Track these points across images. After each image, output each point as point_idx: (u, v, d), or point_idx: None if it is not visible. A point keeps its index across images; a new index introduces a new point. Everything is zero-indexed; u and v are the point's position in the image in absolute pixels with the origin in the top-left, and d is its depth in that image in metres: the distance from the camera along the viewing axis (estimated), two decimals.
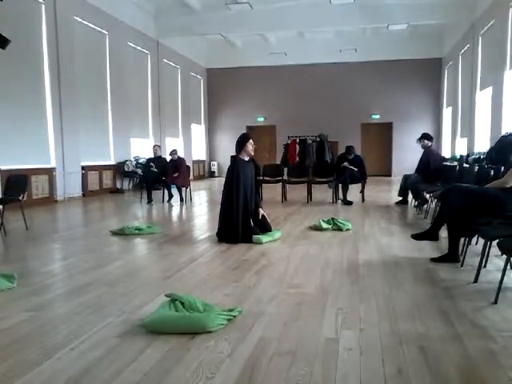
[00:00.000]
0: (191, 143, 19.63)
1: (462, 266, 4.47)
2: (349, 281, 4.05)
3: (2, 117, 9.45)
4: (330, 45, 19.01)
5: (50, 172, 10.87)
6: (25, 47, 10.13)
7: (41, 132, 10.81)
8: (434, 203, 7.49)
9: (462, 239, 4.66)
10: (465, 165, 9.01)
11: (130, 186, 14.32)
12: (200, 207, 10.36)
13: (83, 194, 12.12)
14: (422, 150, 9.14)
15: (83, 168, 12.14)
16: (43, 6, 10.75)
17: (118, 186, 13.83)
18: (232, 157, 6.11)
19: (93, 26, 12.74)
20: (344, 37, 18.76)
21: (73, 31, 11.75)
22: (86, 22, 12.38)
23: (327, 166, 13.20)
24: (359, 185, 10.26)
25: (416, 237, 5.13)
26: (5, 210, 6.94)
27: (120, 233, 6.50)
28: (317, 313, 3.24)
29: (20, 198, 7.07)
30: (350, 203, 9.71)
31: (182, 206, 10.27)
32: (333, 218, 6.85)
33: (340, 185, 10.04)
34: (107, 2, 12.95)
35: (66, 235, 6.78)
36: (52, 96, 11.01)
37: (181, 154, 12.55)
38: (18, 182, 7.03)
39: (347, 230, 6.58)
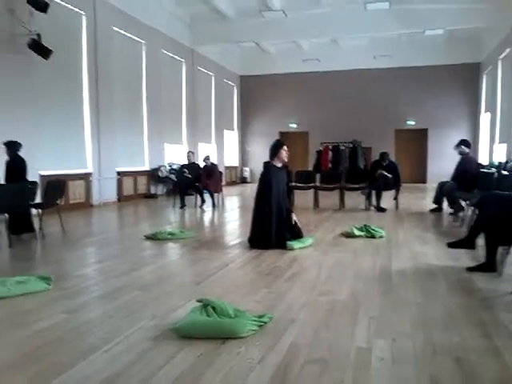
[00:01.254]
0: (223, 149, 19.77)
1: (500, 275, 4.33)
2: (381, 289, 3.98)
3: (43, 124, 9.75)
4: (365, 51, 18.84)
5: (86, 177, 11.14)
6: (66, 57, 10.44)
7: (78, 138, 11.10)
8: (470, 211, 7.30)
9: (500, 248, 4.52)
10: (503, 172, 8.74)
11: (164, 192, 14.52)
12: (232, 213, 10.41)
13: (118, 199, 12.36)
14: (459, 156, 8.93)
15: (119, 173, 12.39)
16: (84, 18, 11.08)
17: (152, 191, 14.05)
18: (265, 163, 6.12)
19: (130, 36, 13.04)
20: (379, 43, 18.55)
21: (111, 41, 12.06)
22: (123, 32, 12.68)
23: (360, 172, 13.06)
24: (393, 191, 10.10)
25: (452, 245, 5.02)
26: (43, 214, 7.15)
27: (153, 237, 6.59)
28: (348, 321, 3.20)
29: (58, 202, 7.28)
30: (383, 210, 9.57)
31: (214, 211, 10.35)
32: (365, 225, 6.76)
33: (373, 191, 9.91)
34: (144, 11, 13.23)
35: (100, 239, 6.92)
36: (90, 104, 11.29)
37: (213, 159, 12.68)
38: (56, 187, 7.24)
39: (380, 237, 6.48)
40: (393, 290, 3.95)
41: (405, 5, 14.06)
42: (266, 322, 3.11)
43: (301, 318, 3.27)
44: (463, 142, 8.88)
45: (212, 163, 11.44)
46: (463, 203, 8.01)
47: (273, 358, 2.63)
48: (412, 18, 14.49)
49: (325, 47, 19.26)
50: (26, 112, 9.21)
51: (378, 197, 9.79)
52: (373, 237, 6.45)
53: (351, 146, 17.76)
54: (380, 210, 9.61)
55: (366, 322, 3.17)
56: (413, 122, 19.43)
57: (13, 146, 6.95)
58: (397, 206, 9.97)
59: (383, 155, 10.10)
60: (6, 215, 6.37)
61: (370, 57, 18.75)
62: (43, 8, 8.84)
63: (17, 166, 6.89)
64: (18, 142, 7.02)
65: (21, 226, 6.77)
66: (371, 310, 3.43)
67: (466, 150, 8.79)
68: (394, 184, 9.92)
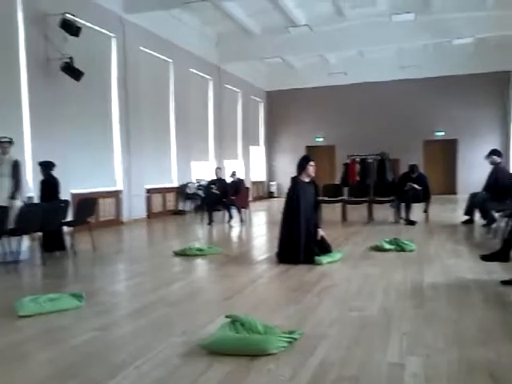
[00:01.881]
0: (250, 165, 19.86)
1: None
2: (413, 304, 3.90)
3: (75, 144, 10.00)
4: (391, 62, 18.72)
5: (116, 195, 11.34)
6: (96, 78, 10.72)
7: (108, 157, 11.34)
8: (503, 222, 7.11)
9: None
10: None
11: (192, 208, 14.64)
12: (259, 228, 10.41)
13: (147, 216, 12.52)
14: (490, 166, 8.74)
15: (148, 191, 12.57)
16: (114, 40, 11.40)
17: (180, 207, 14.18)
18: (293, 178, 6.11)
19: (158, 55, 13.32)
20: (405, 54, 18.41)
21: (139, 61, 12.33)
22: (151, 52, 12.97)
23: (388, 184, 12.89)
24: (422, 204, 9.93)
25: (485, 258, 4.90)
26: (75, 231, 7.30)
27: (182, 253, 6.64)
28: (380, 337, 3.14)
29: (89, 220, 7.43)
30: (413, 223, 9.41)
31: (241, 226, 10.37)
32: (395, 239, 6.66)
33: (402, 204, 9.76)
34: (171, 31, 13.50)
35: (130, 256, 7.02)
36: (120, 123, 11.54)
37: (240, 175, 12.75)
38: (87, 205, 7.40)
39: (411, 250, 6.36)
40: (425, 305, 3.86)
41: (431, 15, 13.93)
42: (295, 339, 3.08)
43: (331, 334, 3.23)
44: (494, 152, 8.70)
45: (239, 179, 11.49)
46: (496, 214, 7.82)
47: (304, 375, 2.60)
48: (439, 27, 14.33)
49: (351, 60, 19.23)
50: (59, 132, 9.48)
51: (408, 209, 9.64)
52: (403, 250, 6.34)
53: (379, 158, 17.58)
54: (410, 222, 9.46)
55: (398, 337, 3.11)
56: (442, 133, 19.13)
57: (47, 166, 7.16)
58: (427, 219, 9.79)
59: (412, 167, 9.97)
60: (40, 233, 6.54)
61: (397, 68, 18.62)
62: (75, 32, 9.14)
63: (50, 185, 7.09)
64: (52, 161, 7.23)
65: (53, 244, 6.93)
66: (403, 325, 3.36)
67: (498, 159, 8.61)
68: (424, 196, 9.76)
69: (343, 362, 2.76)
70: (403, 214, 9.73)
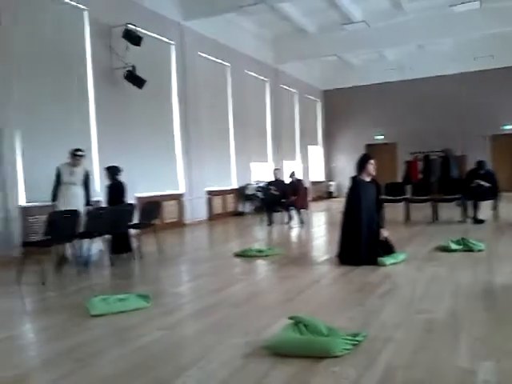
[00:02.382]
0: (308, 165, 19.75)
1: None
2: (484, 306, 3.73)
3: (139, 149, 10.35)
4: (452, 55, 17.98)
5: (179, 198, 11.64)
6: (157, 85, 11.07)
7: (171, 161, 11.66)
8: None
9: None
10: None
11: (251, 209, 14.75)
12: (319, 229, 10.33)
13: (209, 218, 12.75)
14: None
15: (208, 193, 12.82)
16: (173, 47, 11.72)
17: (240, 209, 14.33)
18: (352, 178, 6.01)
19: (215, 60, 13.55)
20: (467, 45, 17.61)
21: (197, 66, 12.60)
22: (209, 57, 13.22)
23: (454, 182, 12.41)
24: (491, 202, 9.47)
25: None
26: (141, 233, 7.55)
27: (243, 255, 6.71)
28: (449, 341, 3.02)
29: (154, 222, 7.67)
30: (481, 222, 9.00)
31: (301, 227, 10.33)
32: (463, 238, 6.39)
33: (469, 202, 9.36)
34: (227, 35, 13.69)
35: (193, 257, 7.18)
36: (180, 128, 11.85)
37: (299, 175, 12.70)
38: (151, 208, 7.64)
39: (479, 250, 6.09)
40: (497, 307, 3.69)
41: (498, 2, 13.21)
42: (360, 341, 3.03)
43: (397, 337, 3.15)
44: None
45: (297, 179, 11.45)
46: None
47: (369, 378, 2.55)
48: (508, 14, 13.59)
49: (410, 54, 18.68)
50: (124, 138, 9.86)
51: (476, 208, 9.23)
52: (471, 250, 6.08)
53: (443, 155, 16.94)
54: (478, 221, 9.05)
55: (469, 341, 2.98)
56: (510, 127, 18.17)
57: (113, 171, 7.47)
58: (496, 217, 9.33)
59: (480, 163, 9.55)
60: (108, 236, 6.83)
61: (458, 60, 17.86)
62: (137, 42, 9.49)
63: (117, 189, 7.38)
64: (118, 166, 7.53)
65: (120, 246, 7.20)
66: (474, 328, 3.22)
67: None
68: (493, 193, 9.31)
69: (410, 366, 2.68)
70: (470, 213, 9.32)
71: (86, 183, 6.96)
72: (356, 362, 2.77)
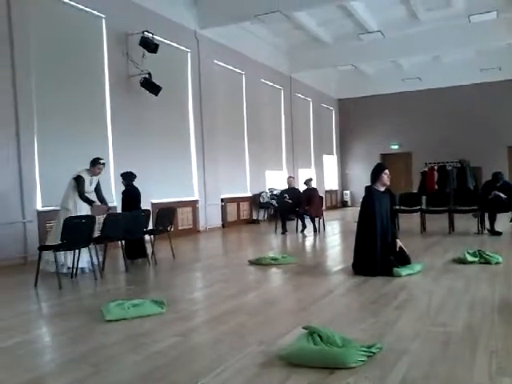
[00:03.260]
0: (323, 174, 19.72)
1: None
2: (502, 320, 3.67)
3: (154, 156, 10.43)
4: (470, 65, 17.88)
5: (193, 204, 11.69)
6: (173, 92, 11.17)
7: (186, 168, 11.73)
8: None
9: None
10: None
11: (265, 217, 14.75)
12: (333, 237, 10.29)
13: (223, 225, 12.78)
14: None
15: (222, 200, 12.85)
16: (189, 54, 11.83)
17: (254, 216, 14.35)
18: (367, 187, 5.98)
19: (230, 68, 13.64)
20: (485, 55, 17.51)
21: (213, 73, 12.70)
22: (224, 65, 13.31)
23: (470, 193, 12.30)
24: (508, 214, 9.34)
25: None
26: (155, 239, 7.59)
27: (257, 262, 6.71)
28: (466, 355, 2.98)
29: (168, 228, 7.70)
30: (498, 234, 8.88)
31: (315, 236, 10.29)
32: (479, 250, 6.31)
33: (486, 214, 9.25)
34: (243, 44, 13.79)
35: (208, 264, 7.20)
36: (195, 135, 11.92)
37: (313, 184, 12.68)
38: (166, 214, 7.68)
39: (497, 263, 6.00)
40: None
41: None
42: (375, 353, 3.00)
43: (412, 349, 3.11)
44: None
45: (312, 187, 11.43)
46: None
47: None
48: None
49: (426, 64, 18.60)
50: (140, 145, 9.95)
51: (492, 219, 9.12)
52: (488, 263, 6.00)
53: (459, 165, 16.78)
54: (495, 233, 8.93)
55: (487, 356, 2.93)
56: None
57: (128, 177, 7.53)
58: None
59: (497, 175, 9.42)
60: (123, 241, 6.86)
61: (476, 71, 17.73)
62: (154, 49, 9.60)
63: (132, 195, 7.43)
64: (133, 172, 7.59)
65: (135, 252, 7.26)
66: (492, 343, 3.17)
67: None
68: (510, 205, 9.18)
69: (426, 379, 2.65)
70: (487, 225, 9.21)
71: (100, 189, 6.86)
72: (371, 373, 2.74)
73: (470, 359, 2.90)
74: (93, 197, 6.70)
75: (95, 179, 6.79)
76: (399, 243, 5.78)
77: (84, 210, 6.45)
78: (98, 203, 6.57)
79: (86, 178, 6.61)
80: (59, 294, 5.26)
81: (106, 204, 6.82)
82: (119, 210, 7.90)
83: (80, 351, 3.34)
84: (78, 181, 6.50)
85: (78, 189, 6.48)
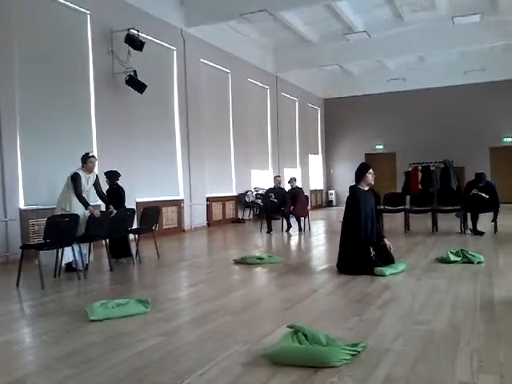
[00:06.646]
0: (308, 173, 19.79)
1: None
2: (484, 319, 3.72)
3: (139, 154, 10.36)
4: (453, 67, 18.11)
5: (178, 203, 11.64)
6: (158, 90, 11.10)
7: (171, 167, 11.66)
8: None
9: None
10: None
11: (251, 216, 14.75)
12: (318, 237, 10.33)
13: (208, 224, 12.75)
14: None
15: (208, 199, 12.82)
16: (175, 53, 11.77)
17: (240, 216, 14.34)
18: (351, 187, 6.01)
19: (217, 66, 13.61)
20: (468, 57, 17.74)
21: (199, 72, 12.65)
22: (210, 63, 13.27)
23: (453, 193, 12.44)
24: (490, 214, 9.48)
25: None
26: (140, 239, 7.54)
27: (242, 262, 6.70)
28: (448, 353, 3.01)
29: (153, 228, 7.66)
30: (480, 233, 9.00)
31: (300, 235, 10.32)
32: (462, 250, 6.38)
33: (469, 214, 9.37)
34: (229, 42, 13.77)
35: (192, 263, 7.17)
36: (181, 133, 11.86)
37: (298, 184, 12.72)
38: (151, 213, 7.63)
39: (479, 262, 6.08)
40: (497, 320, 3.68)
41: (499, 15, 13.31)
42: (359, 352, 3.02)
43: (396, 348, 3.14)
44: None
45: (297, 187, 11.46)
46: None
47: None
48: (508, 28, 13.69)
49: (411, 65, 18.78)
50: (124, 143, 9.87)
51: (475, 219, 9.24)
52: (470, 262, 6.08)
53: (442, 166, 16.97)
54: (477, 233, 9.06)
55: (469, 354, 2.97)
56: (510, 139, 18.24)
57: (112, 176, 7.46)
58: (495, 229, 9.33)
59: (479, 176, 9.53)
60: (107, 240, 6.80)
61: (460, 72, 17.96)
62: (139, 47, 9.52)
63: (116, 194, 7.36)
64: (117, 171, 7.52)
65: (119, 251, 7.19)
66: (474, 341, 3.21)
67: None
68: (492, 205, 9.31)
69: (409, 378, 2.67)
70: (470, 224, 9.33)
71: (99, 185, 6.79)
72: (354, 372, 2.76)
73: (452, 358, 2.93)
74: (92, 193, 6.68)
75: (92, 177, 6.68)
76: (387, 242, 5.82)
77: (78, 210, 6.33)
78: (91, 208, 6.42)
79: (83, 176, 6.49)
80: (42, 294, 5.20)
81: (105, 200, 6.80)
82: (103, 209, 7.83)
83: (63, 352, 3.31)
84: (75, 179, 6.38)
85: (74, 187, 6.36)
